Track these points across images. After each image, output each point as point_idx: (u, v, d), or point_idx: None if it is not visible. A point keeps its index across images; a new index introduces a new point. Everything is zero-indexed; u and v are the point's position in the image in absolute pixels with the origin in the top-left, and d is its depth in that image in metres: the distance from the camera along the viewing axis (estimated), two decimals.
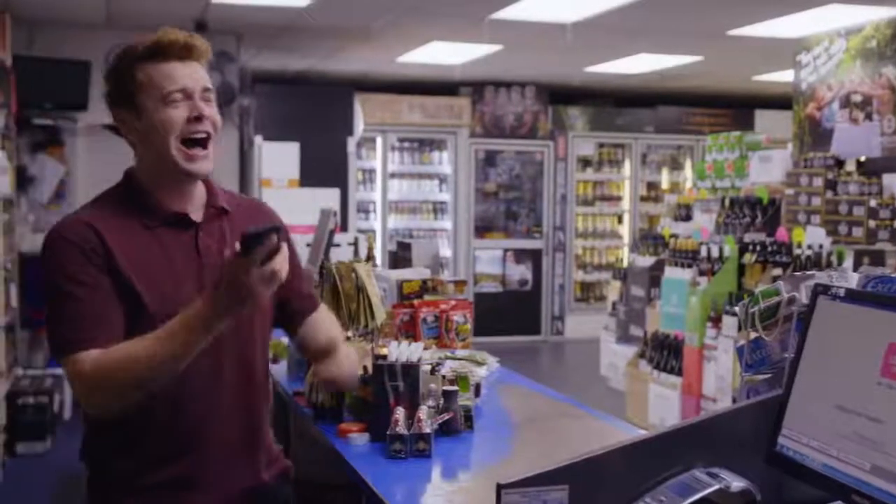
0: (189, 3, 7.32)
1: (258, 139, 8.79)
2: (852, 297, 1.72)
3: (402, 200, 11.26)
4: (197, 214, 2.03)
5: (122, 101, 2.00)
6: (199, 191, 2.05)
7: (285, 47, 8.84)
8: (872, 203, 5.72)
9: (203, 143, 1.98)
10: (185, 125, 1.96)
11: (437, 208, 11.39)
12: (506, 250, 11.41)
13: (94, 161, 9.34)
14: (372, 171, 11.02)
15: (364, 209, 10.87)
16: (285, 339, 4.04)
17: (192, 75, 1.98)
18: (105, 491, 2.03)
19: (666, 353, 6.51)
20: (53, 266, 1.91)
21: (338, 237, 5.64)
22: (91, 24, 7.95)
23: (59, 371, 7.37)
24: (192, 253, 1.99)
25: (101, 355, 1.84)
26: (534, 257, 11.49)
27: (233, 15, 7.69)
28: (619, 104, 11.87)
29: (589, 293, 11.87)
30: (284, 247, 1.80)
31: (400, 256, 4.71)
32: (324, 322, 2.38)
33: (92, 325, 1.87)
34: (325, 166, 8.92)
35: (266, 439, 2.19)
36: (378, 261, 6.79)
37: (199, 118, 1.97)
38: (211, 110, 1.99)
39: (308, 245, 6.22)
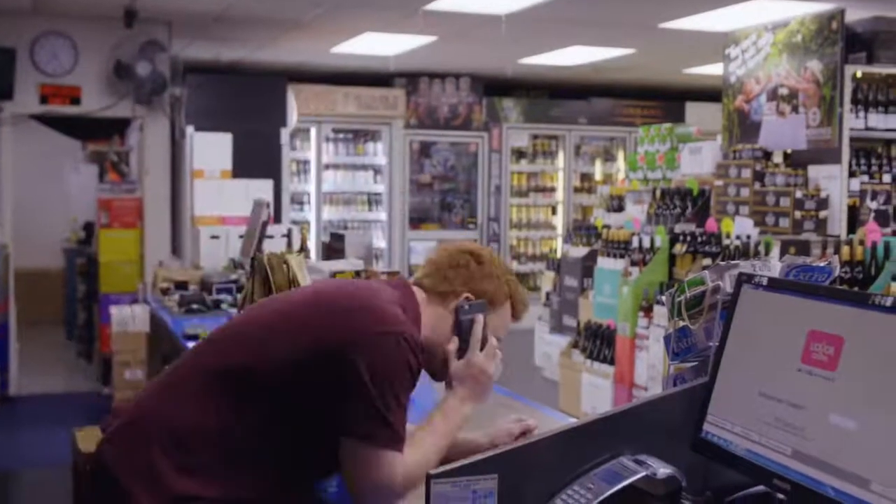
0: None
1: (190, 130, 8.67)
2: (774, 285, 1.75)
3: (337, 191, 11.20)
4: None
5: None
6: None
7: (218, 37, 8.74)
8: (798, 194, 5.83)
9: None
10: None
11: (372, 199, 11.35)
12: (440, 241, 11.41)
13: (20, 151, 9.15)
14: (306, 163, 10.95)
15: (298, 200, 10.80)
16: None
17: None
18: None
19: (599, 343, 6.57)
20: (403, 368, 1.96)
21: (271, 229, 5.60)
22: (17, 10, 7.77)
23: None
24: None
25: (405, 458, 1.94)
26: None
27: (163, 3, 7.57)
28: (553, 96, 11.94)
29: (523, 284, 11.92)
30: (480, 318, 2.10)
31: (333, 247, 4.68)
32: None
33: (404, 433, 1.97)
34: (258, 157, 8.83)
35: None
36: (312, 252, 6.76)
37: None
38: None
39: (241, 237, 6.17)
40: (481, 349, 2.10)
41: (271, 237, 5.68)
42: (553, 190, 12.14)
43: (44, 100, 8.06)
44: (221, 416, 1.98)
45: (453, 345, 2.10)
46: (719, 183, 6.42)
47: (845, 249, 4.70)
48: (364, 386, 1.90)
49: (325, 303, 2.06)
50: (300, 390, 1.97)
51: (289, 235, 6.18)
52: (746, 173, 6.19)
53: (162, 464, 1.95)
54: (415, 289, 2.16)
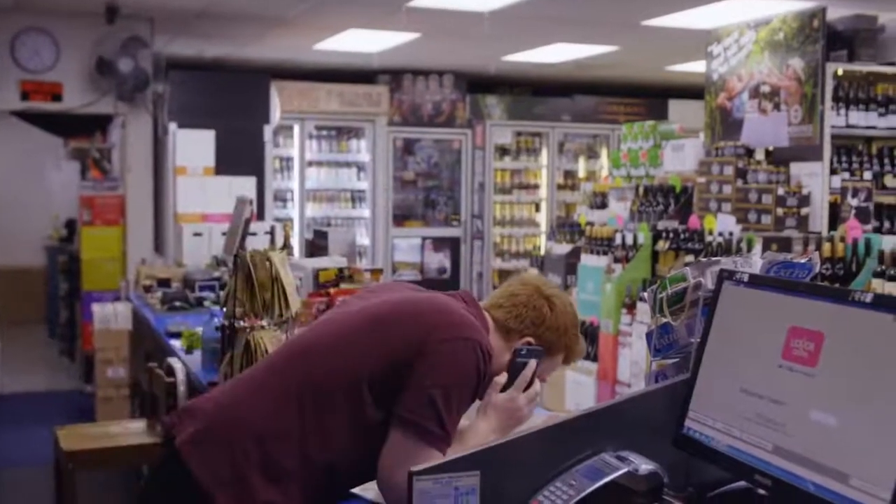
0: None
1: (172, 126, 8.64)
2: (755, 282, 1.76)
3: (320, 189, 11.18)
4: None
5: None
6: None
7: (200, 33, 8.71)
8: (780, 191, 5.85)
9: None
10: None
11: (356, 196, 11.34)
12: (424, 238, 11.41)
13: (1, 148, 9.11)
14: (289, 160, 10.92)
15: (281, 198, 10.78)
16: (199, 329, 3.99)
17: None
18: None
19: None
20: (471, 374, 2.03)
21: (254, 226, 5.58)
22: None
23: None
24: None
25: None
26: (452, 245, 11.52)
27: None
28: (536, 93, 11.94)
29: (505, 280, 11.92)
30: (534, 363, 2.19)
31: (316, 245, 4.67)
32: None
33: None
34: (241, 154, 8.81)
35: None
36: (295, 249, 6.75)
37: None
38: None
39: (223, 234, 6.14)
40: (525, 390, 2.19)
41: (254, 234, 5.64)
42: (536, 187, 12.15)
43: (25, 96, 8.02)
44: (303, 423, 2.01)
45: (502, 377, 2.18)
46: (702, 180, 6.44)
47: (826, 246, 4.73)
48: (433, 384, 1.97)
49: (407, 310, 2.13)
50: (380, 394, 2.01)
51: (272, 233, 6.13)
52: (729, 170, 6.21)
53: (246, 468, 1.97)
54: (485, 313, 2.25)
